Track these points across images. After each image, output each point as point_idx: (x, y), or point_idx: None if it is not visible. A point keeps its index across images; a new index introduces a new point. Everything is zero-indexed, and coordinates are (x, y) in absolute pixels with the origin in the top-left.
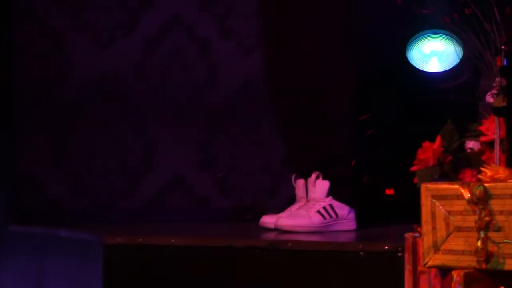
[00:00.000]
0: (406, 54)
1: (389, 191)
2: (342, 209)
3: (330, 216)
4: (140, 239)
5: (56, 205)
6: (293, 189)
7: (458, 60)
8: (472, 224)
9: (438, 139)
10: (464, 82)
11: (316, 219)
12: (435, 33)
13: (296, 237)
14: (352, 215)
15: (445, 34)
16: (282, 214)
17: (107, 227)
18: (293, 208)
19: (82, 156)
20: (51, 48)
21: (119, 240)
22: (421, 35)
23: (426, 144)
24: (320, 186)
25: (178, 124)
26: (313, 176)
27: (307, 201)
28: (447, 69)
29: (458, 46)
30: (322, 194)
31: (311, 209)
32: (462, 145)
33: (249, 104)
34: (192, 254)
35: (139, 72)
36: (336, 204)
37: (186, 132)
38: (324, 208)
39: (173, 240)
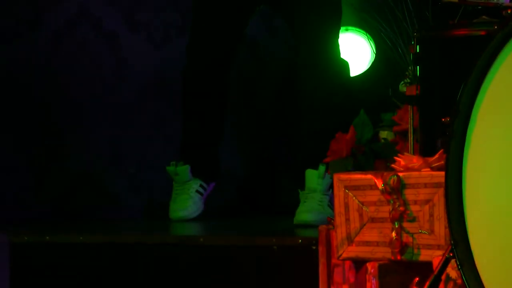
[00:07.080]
0: None
1: None
2: None
3: None
4: (47, 237)
5: None
6: None
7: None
8: (386, 215)
9: (352, 130)
10: None
11: None
12: (346, 29)
13: (207, 232)
14: None
15: (357, 30)
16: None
17: (14, 225)
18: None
19: None
20: None
21: (25, 238)
22: None
23: (339, 134)
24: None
25: (87, 119)
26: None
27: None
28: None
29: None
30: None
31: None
32: (375, 136)
33: (159, 98)
34: (101, 252)
35: (46, 67)
36: None
37: (95, 127)
38: None
39: (81, 238)
